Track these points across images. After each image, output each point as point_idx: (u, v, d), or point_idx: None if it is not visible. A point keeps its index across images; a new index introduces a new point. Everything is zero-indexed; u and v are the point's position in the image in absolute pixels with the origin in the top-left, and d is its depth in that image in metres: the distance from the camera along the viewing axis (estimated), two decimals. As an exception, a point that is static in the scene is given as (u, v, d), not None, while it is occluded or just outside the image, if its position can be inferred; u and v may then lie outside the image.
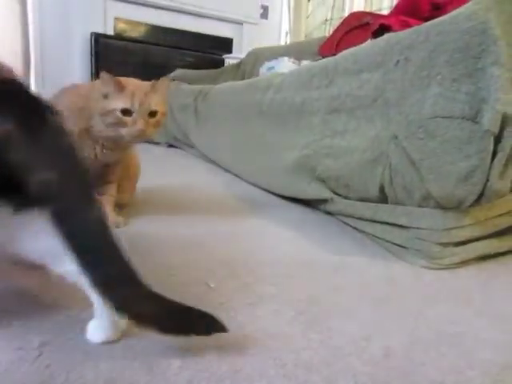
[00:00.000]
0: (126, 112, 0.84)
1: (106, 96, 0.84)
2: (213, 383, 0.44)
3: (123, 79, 0.87)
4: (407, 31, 0.85)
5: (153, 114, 0.87)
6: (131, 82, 0.88)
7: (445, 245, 0.79)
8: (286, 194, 1.28)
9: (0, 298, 0.59)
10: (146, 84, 0.89)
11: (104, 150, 0.90)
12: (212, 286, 0.67)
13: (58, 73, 3.00)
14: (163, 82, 0.91)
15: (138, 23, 3.32)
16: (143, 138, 0.90)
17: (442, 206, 0.79)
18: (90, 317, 0.55)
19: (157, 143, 2.74)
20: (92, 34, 2.96)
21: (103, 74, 0.83)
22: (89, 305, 0.58)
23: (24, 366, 0.45)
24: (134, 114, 0.84)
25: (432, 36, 0.76)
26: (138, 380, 0.44)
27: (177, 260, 0.77)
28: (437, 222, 0.79)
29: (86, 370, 0.45)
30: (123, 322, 0.49)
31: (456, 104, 0.72)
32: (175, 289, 0.65)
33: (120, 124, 0.85)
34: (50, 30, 2.98)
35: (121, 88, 0.84)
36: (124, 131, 0.85)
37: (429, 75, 0.76)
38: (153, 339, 0.51)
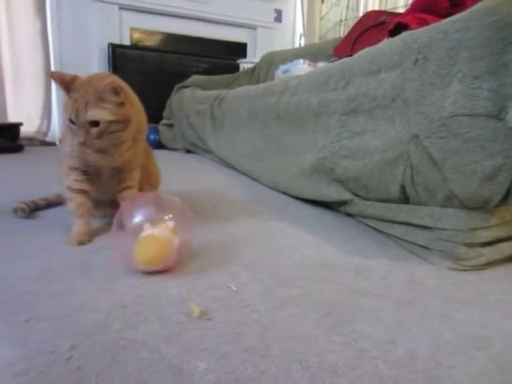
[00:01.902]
0: (71, 120, 0.81)
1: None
2: (239, 386, 0.44)
3: (82, 77, 0.82)
4: (425, 29, 0.84)
5: (93, 124, 0.81)
6: (81, 84, 0.81)
7: (470, 246, 0.78)
8: (305, 196, 1.28)
9: (32, 305, 0.60)
10: (96, 87, 0.80)
11: (95, 155, 0.86)
12: (234, 289, 0.68)
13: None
14: (105, 88, 0.80)
15: (153, 32, 3.37)
16: (87, 149, 0.84)
17: (466, 206, 0.77)
18: (117, 320, 0.56)
19: (175, 149, 2.77)
20: (109, 44, 3.03)
21: (55, 72, 0.81)
22: (114, 309, 0.59)
23: (56, 369, 0.46)
24: (76, 124, 0.81)
25: (451, 33, 0.75)
26: (165, 382, 0.44)
27: (198, 263, 0.78)
28: (461, 223, 0.78)
29: (115, 373, 0.45)
30: None
31: (478, 101, 0.71)
32: (198, 292, 0.66)
33: (72, 132, 0.82)
34: (69, 44, 3.06)
35: (68, 94, 0.81)
36: (74, 141, 0.83)
37: (449, 73, 0.75)
38: (177, 341, 0.52)
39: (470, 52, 0.72)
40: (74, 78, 0.81)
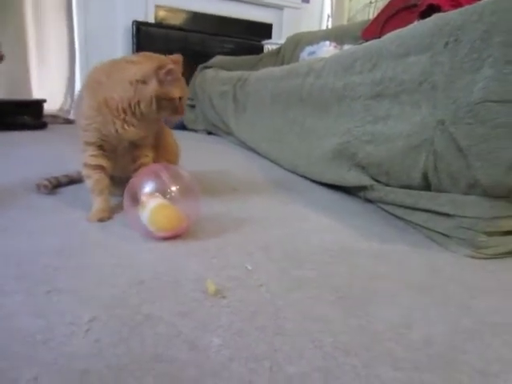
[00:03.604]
0: (180, 98, 0.91)
1: (162, 81, 0.87)
2: (252, 362, 0.45)
3: (168, 61, 0.90)
4: (458, 11, 0.80)
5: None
6: (176, 66, 0.91)
7: (491, 234, 0.76)
8: (325, 180, 1.27)
9: (52, 278, 0.62)
10: (178, 64, 0.93)
11: (125, 125, 0.89)
12: (250, 268, 0.68)
13: (101, 58, 3.08)
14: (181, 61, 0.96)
15: (178, 10, 3.34)
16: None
17: (489, 195, 0.75)
18: (134, 295, 0.58)
19: (195, 130, 2.78)
20: (134, 22, 3.02)
21: (168, 65, 0.86)
22: (132, 284, 0.61)
23: (75, 340, 0.47)
24: (182, 100, 0.92)
25: (486, 15, 0.72)
26: (181, 356, 0.45)
27: (215, 243, 0.79)
28: (483, 211, 0.76)
29: (132, 345, 0.47)
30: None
31: (509, 87, 0.68)
32: (214, 271, 0.67)
33: (171, 109, 0.91)
34: (93, 20, 3.06)
35: (179, 78, 0.90)
36: (173, 117, 0.93)
37: (480, 57, 0.72)
38: (193, 317, 0.53)
39: (504, 36, 0.69)
40: (173, 66, 0.88)
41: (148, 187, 0.80)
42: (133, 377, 0.42)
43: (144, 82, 0.86)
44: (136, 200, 0.79)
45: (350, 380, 0.43)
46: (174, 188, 0.81)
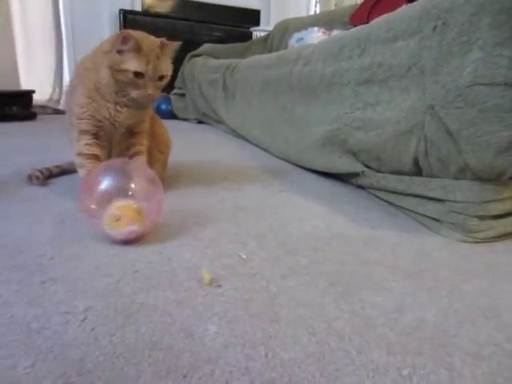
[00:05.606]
0: (139, 74, 0.84)
1: (120, 52, 0.83)
2: (247, 348, 0.46)
3: (137, 35, 0.85)
4: (446, -7, 0.80)
5: (161, 78, 0.89)
6: (145, 41, 0.86)
7: (482, 218, 0.77)
8: (317, 167, 1.27)
9: (47, 268, 0.62)
10: (156, 43, 0.87)
11: (118, 107, 0.89)
12: (244, 257, 0.69)
13: (88, 49, 3.04)
14: (172, 45, 0.91)
15: (166, -2, 3.30)
16: (150, 100, 0.92)
17: (479, 179, 0.76)
18: (129, 284, 0.58)
19: (186, 119, 2.76)
20: (120, 10, 2.97)
21: (125, 32, 0.82)
22: (126, 273, 0.61)
23: (71, 329, 0.48)
24: (145, 78, 0.85)
25: (473, -3, 0.72)
26: (176, 344, 0.46)
27: (209, 232, 0.79)
28: (474, 195, 0.76)
29: (127, 334, 0.47)
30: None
31: (498, 70, 0.68)
32: (208, 260, 0.67)
33: (131, 85, 0.85)
34: (80, 9, 3.01)
35: (138, 49, 0.83)
36: (134, 93, 0.86)
37: (469, 40, 0.72)
38: (188, 305, 0.53)
39: (492, 17, 0.69)
40: (135, 37, 0.84)
41: (103, 184, 0.74)
42: (129, 365, 0.42)
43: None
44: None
45: (344, 365, 0.44)
46: (132, 184, 0.76)
